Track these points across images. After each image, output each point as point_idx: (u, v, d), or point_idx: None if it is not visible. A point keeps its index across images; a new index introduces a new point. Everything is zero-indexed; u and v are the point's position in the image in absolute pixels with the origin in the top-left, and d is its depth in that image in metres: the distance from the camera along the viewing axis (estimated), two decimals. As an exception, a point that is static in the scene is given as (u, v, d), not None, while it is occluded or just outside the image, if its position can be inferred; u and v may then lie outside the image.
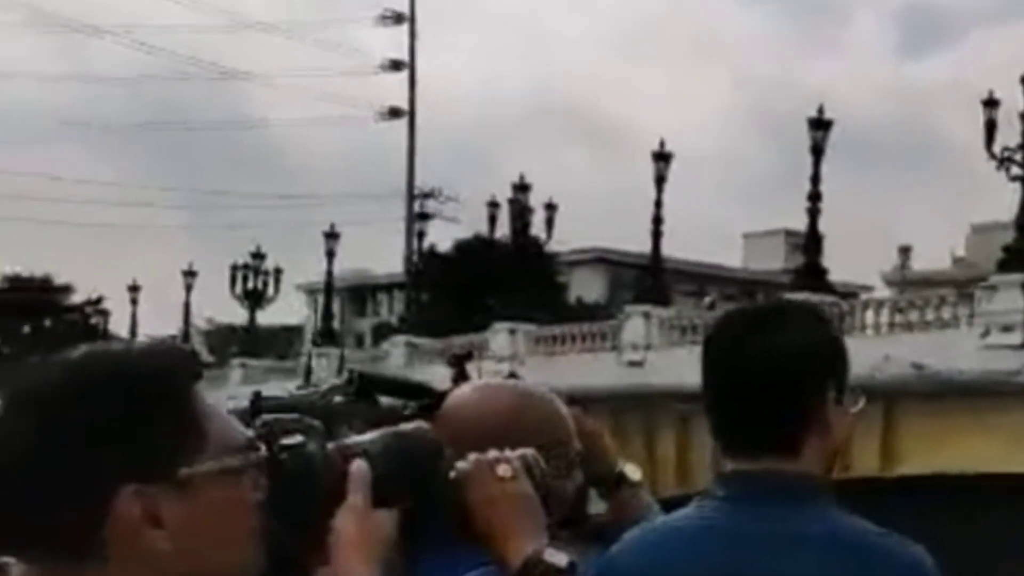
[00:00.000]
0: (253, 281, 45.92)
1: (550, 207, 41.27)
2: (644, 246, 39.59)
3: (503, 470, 2.27)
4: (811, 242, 36.75)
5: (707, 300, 46.14)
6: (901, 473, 31.02)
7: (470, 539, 2.27)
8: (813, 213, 36.55)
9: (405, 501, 2.17)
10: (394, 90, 57.02)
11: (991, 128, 33.95)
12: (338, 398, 2.69)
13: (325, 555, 2.10)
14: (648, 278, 39.30)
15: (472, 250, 48.65)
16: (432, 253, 50.86)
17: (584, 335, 38.44)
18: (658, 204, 38.20)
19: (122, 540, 1.76)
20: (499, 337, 39.13)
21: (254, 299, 45.88)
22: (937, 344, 32.90)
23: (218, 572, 1.82)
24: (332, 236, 44.62)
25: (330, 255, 44.80)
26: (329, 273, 45.32)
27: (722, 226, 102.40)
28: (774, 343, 2.71)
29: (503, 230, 44.14)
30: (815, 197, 36.34)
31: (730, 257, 65.16)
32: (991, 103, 34.18)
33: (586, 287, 58.72)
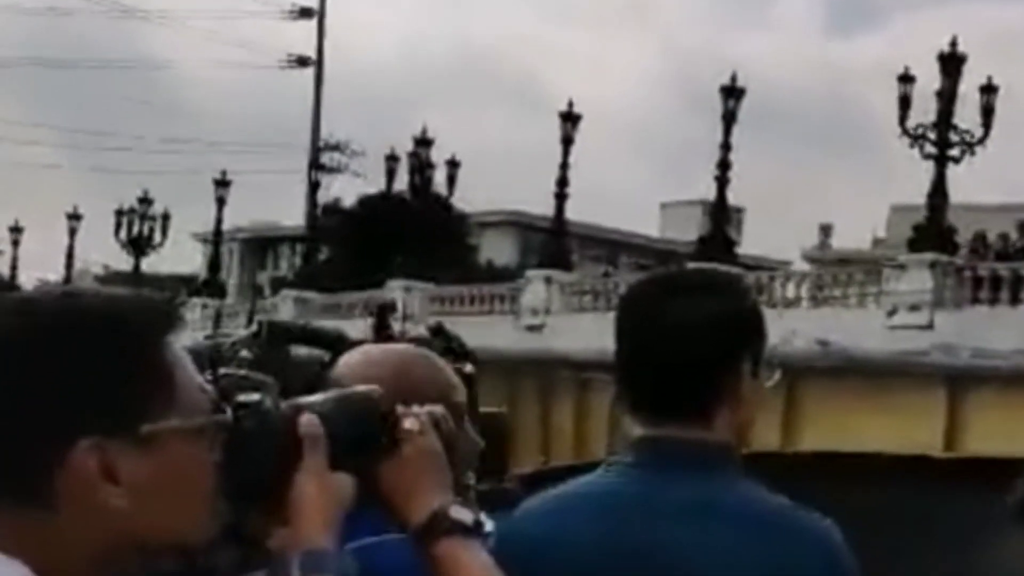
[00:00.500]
0: (139, 226, 44.34)
1: (452, 164, 40.06)
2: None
3: (410, 423, 2.25)
4: (718, 211, 35.74)
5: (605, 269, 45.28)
6: (800, 449, 30.33)
7: (372, 496, 2.22)
8: (722, 182, 35.64)
9: (353, 465, 2.13)
10: (303, 38, 55.79)
11: (905, 104, 33.01)
12: (244, 351, 2.72)
13: (283, 516, 2.06)
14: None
15: (377, 206, 47.33)
16: (335, 208, 49.59)
17: (483, 297, 37.42)
18: (563, 167, 37.15)
19: (75, 493, 1.72)
20: (393, 295, 37.89)
21: (139, 245, 44.30)
22: (844, 322, 32.16)
23: (172, 533, 1.78)
24: (223, 184, 43.08)
25: (220, 203, 43.23)
26: (218, 221, 43.82)
27: (641, 195, 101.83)
28: (690, 310, 2.68)
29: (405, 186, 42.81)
30: (724, 165, 35.42)
31: (647, 226, 64.37)
32: (906, 79, 33.25)
33: (497, 250, 57.65)
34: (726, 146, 35.06)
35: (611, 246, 59.42)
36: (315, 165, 45.96)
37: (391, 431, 2.21)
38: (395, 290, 38.32)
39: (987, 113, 33.14)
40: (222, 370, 2.19)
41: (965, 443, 31.33)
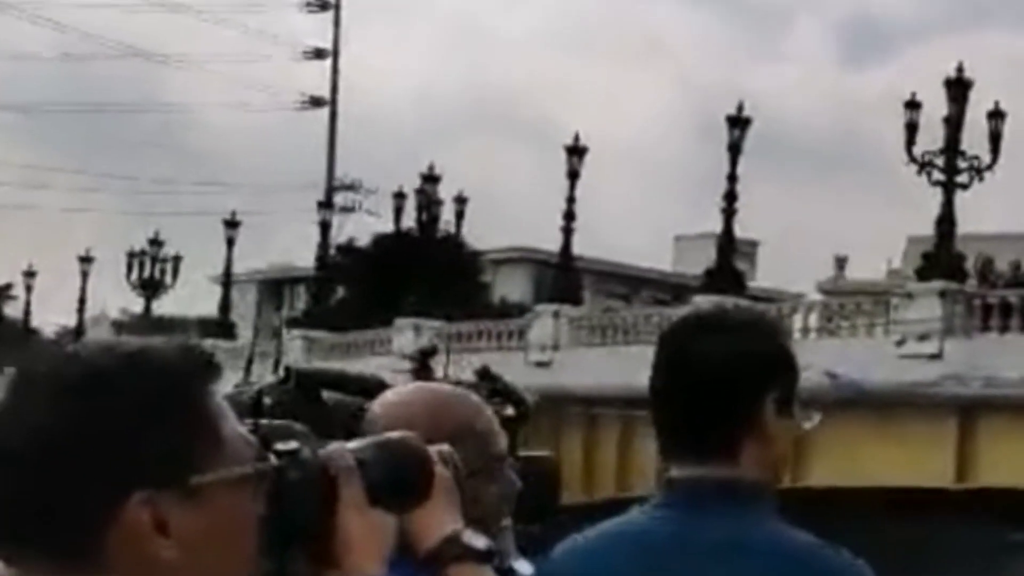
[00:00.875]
0: (150, 269, 44.27)
1: (460, 200, 39.88)
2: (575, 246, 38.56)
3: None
4: (725, 243, 35.43)
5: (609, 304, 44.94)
6: (809, 484, 29.98)
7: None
8: (728, 213, 35.32)
9: (396, 509, 2.11)
10: (317, 80, 55.86)
11: (912, 130, 32.75)
12: (267, 399, 2.70)
13: (331, 558, 2.05)
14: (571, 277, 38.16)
15: (390, 245, 47.24)
16: (349, 247, 49.52)
17: (492, 333, 37.20)
18: (570, 200, 37.01)
19: (127, 548, 1.69)
20: (404, 333, 37.71)
21: (151, 288, 44.23)
22: (854, 352, 31.78)
23: None
24: (232, 225, 43.13)
25: (230, 244, 43.25)
26: (228, 262, 43.84)
27: (656, 229, 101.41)
28: (715, 347, 2.73)
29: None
30: (731, 197, 35.10)
31: (662, 260, 64.09)
32: (913, 105, 33.00)
33: (511, 287, 57.40)
34: (732, 177, 34.81)
35: (626, 281, 59.10)
36: (327, 204, 45.92)
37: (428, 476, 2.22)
38: (404, 329, 38.13)
39: (995, 139, 32.88)
40: (261, 420, 2.13)
41: (977, 474, 30.96)
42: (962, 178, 32.60)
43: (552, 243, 38.25)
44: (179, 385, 1.74)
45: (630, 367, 35.37)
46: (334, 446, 2.09)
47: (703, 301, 35.17)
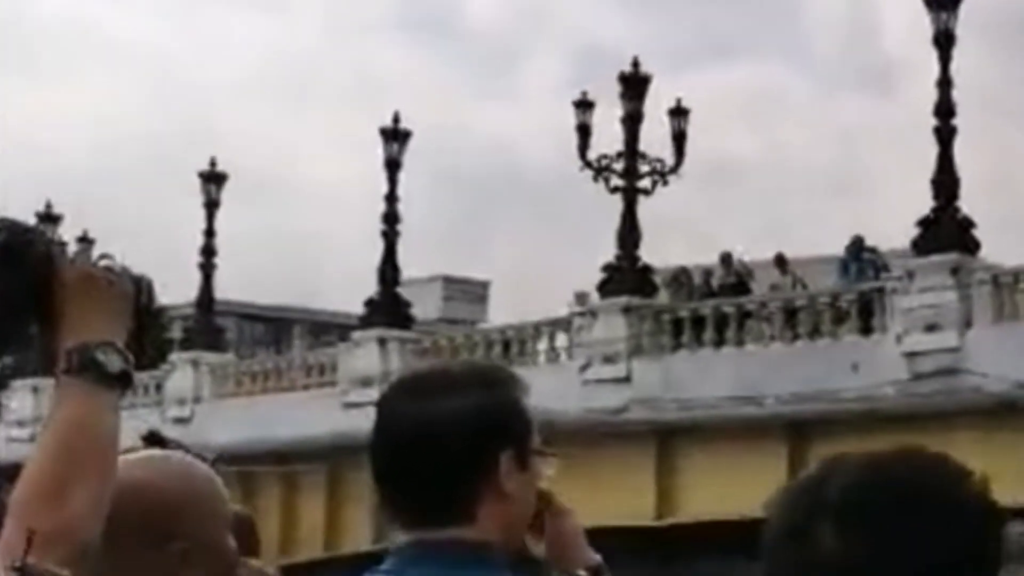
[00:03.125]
0: None
1: (84, 240, 35.22)
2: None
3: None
4: (389, 272, 31.50)
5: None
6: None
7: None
8: (390, 236, 31.46)
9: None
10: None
11: (585, 133, 29.47)
12: None
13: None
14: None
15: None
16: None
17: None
18: (209, 234, 32.72)
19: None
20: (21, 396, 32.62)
21: None
22: (539, 382, 28.14)
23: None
24: None
25: None
26: None
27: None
28: (430, 410, 2.62)
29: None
30: (392, 218, 31.27)
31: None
32: (584, 104, 29.76)
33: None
34: (391, 196, 31.16)
35: (278, 324, 54.97)
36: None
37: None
38: (21, 391, 33.04)
39: (678, 139, 29.92)
40: None
41: (679, 507, 27.91)
42: (644, 183, 29.49)
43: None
44: None
45: (281, 417, 31.35)
46: None
47: (361, 336, 31.35)
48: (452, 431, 2.57)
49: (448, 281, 43.49)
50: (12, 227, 2.17)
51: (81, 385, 2.07)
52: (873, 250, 28.42)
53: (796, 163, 77.17)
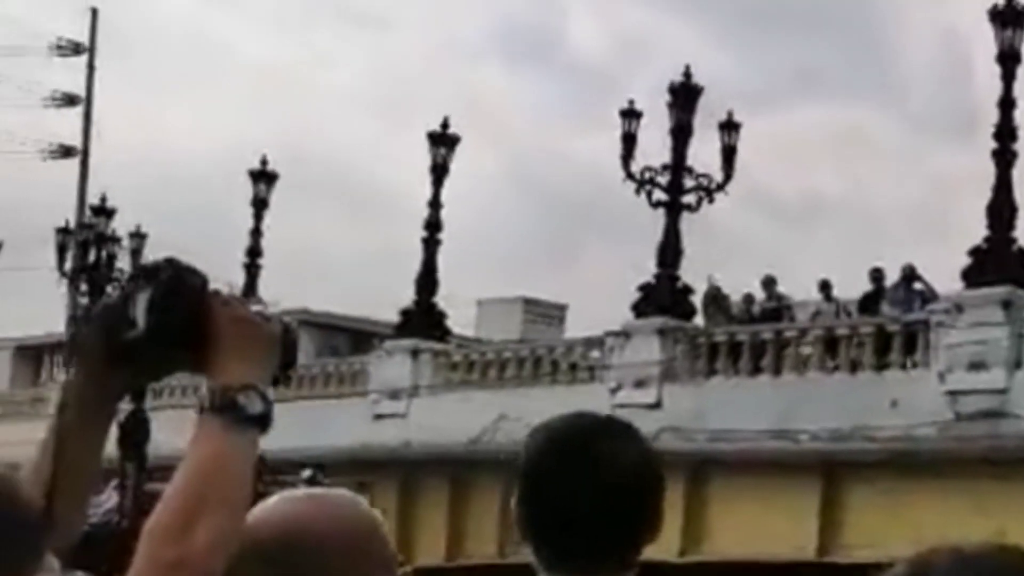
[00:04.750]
0: None
1: (138, 236, 34.81)
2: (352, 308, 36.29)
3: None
4: (424, 277, 30.30)
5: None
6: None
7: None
8: (431, 244, 30.25)
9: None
10: (68, 127, 50.70)
11: (629, 143, 27.97)
12: None
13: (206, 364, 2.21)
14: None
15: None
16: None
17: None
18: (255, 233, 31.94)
19: None
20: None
21: None
22: (568, 402, 26.77)
23: None
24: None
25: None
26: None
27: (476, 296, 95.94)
28: (631, 452, 2.60)
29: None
30: (434, 225, 30.09)
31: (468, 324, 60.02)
32: (630, 114, 28.27)
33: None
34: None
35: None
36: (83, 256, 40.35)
37: None
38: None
39: (727, 154, 28.28)
40: None
41: (706, 544, 26.28)
42: (688, 199, 27.92)
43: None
44: None
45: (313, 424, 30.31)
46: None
47: (394, 346, 30.22)
48: (644, 475, 2.55)
49: (528, 303, 42.38)
50: (176, 265, 2.25)
51: (219, 424, 2.13)
52: (923, 280, 26.45)
53: (880, 203, 74.69)
